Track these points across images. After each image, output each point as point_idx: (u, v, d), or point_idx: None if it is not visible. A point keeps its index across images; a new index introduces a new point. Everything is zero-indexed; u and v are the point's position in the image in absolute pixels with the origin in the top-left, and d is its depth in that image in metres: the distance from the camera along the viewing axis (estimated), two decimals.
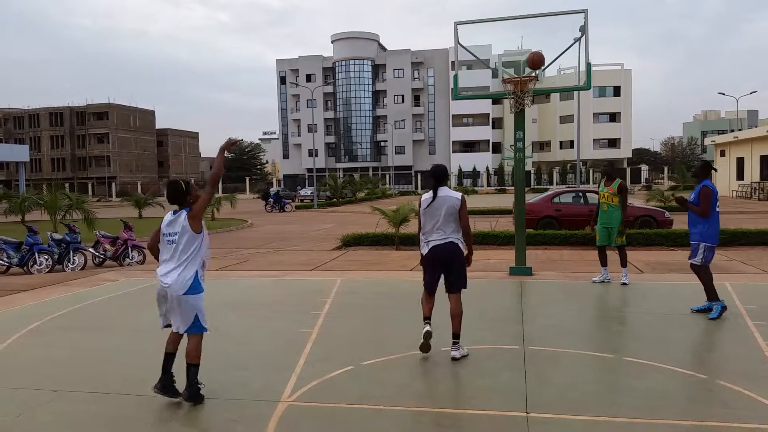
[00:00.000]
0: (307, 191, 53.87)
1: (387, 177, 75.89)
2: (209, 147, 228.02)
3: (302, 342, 6.21)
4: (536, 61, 9.55)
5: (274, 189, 49.59)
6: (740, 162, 39.21)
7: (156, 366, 4.66)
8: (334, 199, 43.96)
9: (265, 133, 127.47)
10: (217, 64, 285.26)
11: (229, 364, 5.63)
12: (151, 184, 77.04)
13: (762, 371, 5.04)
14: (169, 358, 4.64)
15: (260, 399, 4.68)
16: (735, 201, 34.59)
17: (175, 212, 4.64)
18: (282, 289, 9.65)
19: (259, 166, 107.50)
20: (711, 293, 6.90)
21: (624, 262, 9.20)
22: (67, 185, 58.61)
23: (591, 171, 68.64)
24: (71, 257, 13.37)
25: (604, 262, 9.28)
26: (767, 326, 6.36)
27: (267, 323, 7.30)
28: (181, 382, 4.62)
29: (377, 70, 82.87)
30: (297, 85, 73.45)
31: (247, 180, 78.61)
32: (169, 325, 4.66)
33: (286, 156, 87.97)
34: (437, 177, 5.59)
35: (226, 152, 4.90)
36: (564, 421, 4.16)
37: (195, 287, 4.52)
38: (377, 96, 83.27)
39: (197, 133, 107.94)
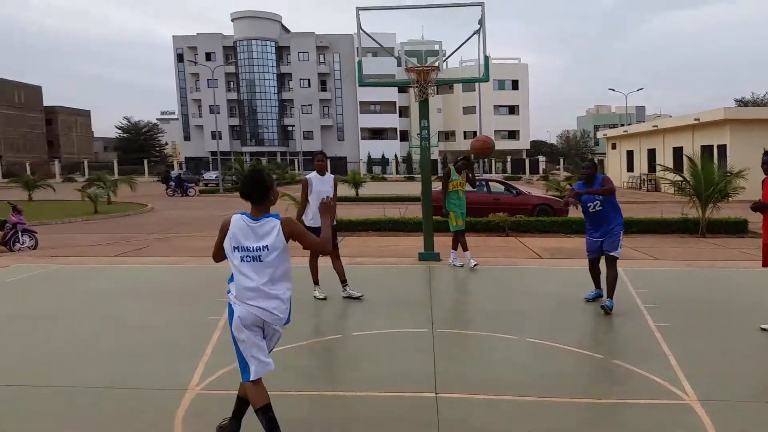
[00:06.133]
0: (211, 175, 52.14)
1: (296, 162, 74.77)
2: (103, 126, 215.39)
3: (210, 329, 6.04)
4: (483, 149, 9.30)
5: (175, 172, 47.71)
6: (630, 155, 41.88)
7: (52, 353, 4.38)
8: None
9: (163, 113, 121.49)
10: (105, 38, 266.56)
11: (132, 353, 5.39)
12: (40, 163, 71.65)
13: (653, 350, 5.44)
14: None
15: (167, 388, 4.52)
16: (626, 191, 36.94)
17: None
18: (188, 276, 9.33)
19: (158, 148, 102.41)
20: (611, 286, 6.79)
21: (465, 246, 9.65)
22: None
23: (493, 161, 71.02)
24: None
25: (465, 246, 9.65)
26: (656, 308, 6.85)
27: (172, 311, 7.03)
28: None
29: (281, 52, 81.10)
30: (196, 63, 70.56)
31: (146, 162, 74.96)
32: None
33: (187, 138, 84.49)
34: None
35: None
36: (470, 400, 4.32)
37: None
38: (282, 79, 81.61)
39: (89, 111, 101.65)
